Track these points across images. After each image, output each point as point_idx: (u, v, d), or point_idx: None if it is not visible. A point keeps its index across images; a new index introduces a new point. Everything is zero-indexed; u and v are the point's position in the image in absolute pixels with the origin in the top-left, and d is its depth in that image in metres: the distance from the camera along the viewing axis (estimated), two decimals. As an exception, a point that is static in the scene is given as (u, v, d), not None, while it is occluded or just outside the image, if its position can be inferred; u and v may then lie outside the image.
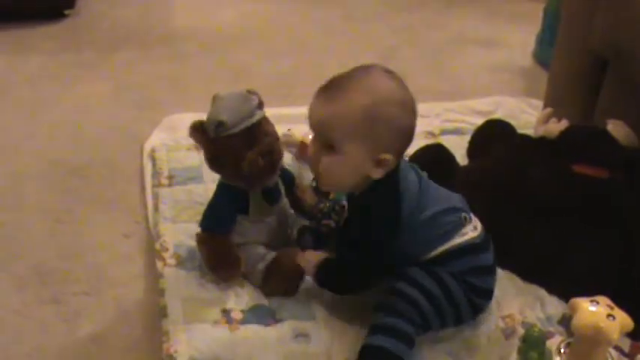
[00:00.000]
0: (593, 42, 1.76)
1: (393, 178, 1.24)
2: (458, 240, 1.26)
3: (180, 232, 1.50)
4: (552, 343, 1.21)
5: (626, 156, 1.53)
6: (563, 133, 1.62)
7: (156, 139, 1.89)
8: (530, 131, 1.77)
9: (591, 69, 1.82)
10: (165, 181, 1.69)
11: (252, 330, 1.27)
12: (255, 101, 1.35)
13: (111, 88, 2.24)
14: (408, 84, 1.24)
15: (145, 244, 1.55)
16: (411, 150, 1.42)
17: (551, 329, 1.28)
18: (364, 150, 1.20)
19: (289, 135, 1.73)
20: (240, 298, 1.34)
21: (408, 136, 1.24)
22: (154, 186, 1.68)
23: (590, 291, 1.14)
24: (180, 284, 1.37)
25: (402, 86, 1.22)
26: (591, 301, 1.11)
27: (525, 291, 1.39)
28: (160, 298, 1.34)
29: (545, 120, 1.74)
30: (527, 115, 2.07)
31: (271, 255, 1.37)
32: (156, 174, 1.72)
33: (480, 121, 1.89)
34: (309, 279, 1.35)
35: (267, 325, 1.29)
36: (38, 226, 1.60)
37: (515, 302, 1.36)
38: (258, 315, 1.31)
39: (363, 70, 1.23)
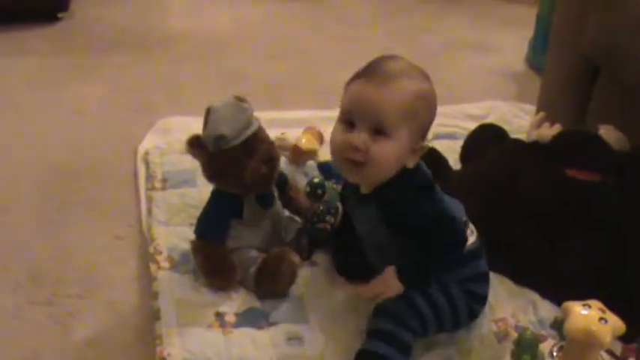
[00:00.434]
0: (585, 47, 1.77)
1: (421, 168, 1.25)
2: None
3: (174, 235, 1.50)
4: (545, 347, 1.21)
5: (618, 160, 1.54)
6: (556, 138, 1.63)
7: (149, 142, 1.89)
8: (523, 136, 1.77)
9: (583, 73, 1.83)
10: (158, 185, 1.69)
11: (246, 333, 1.27)
12: (251, 110, 1.35)
13: (105, 91, 2.23)
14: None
15: (138, 247, 1.54)
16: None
17: (544, 333, 1.29)
18: (409, 136, 1.20)
19: (283, 139, 1.73)
20: (234, 302, 1.34)
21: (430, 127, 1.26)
22: (147, 189, 1.68)
23: (582, 294, 1.15)
24: (174, 287, 1.37)
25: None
26: (583, 305, 1.11)
27: (518, 294, 1.39)
28: (154, 301, 1.34)
29: (538, 124, 1.74)
30: (520, 120, 2.08)
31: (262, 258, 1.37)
32: (149, 177, 1.72)
33: (473, 125, 1.90)
34: (300, 280, 1.36)
35: (260, 328, 1.29)
36: (31, 229, 1.60)
37: (508, 306, 1.36)
38: (251, 318, 1.30)
39: (398, 58, 1.24)
